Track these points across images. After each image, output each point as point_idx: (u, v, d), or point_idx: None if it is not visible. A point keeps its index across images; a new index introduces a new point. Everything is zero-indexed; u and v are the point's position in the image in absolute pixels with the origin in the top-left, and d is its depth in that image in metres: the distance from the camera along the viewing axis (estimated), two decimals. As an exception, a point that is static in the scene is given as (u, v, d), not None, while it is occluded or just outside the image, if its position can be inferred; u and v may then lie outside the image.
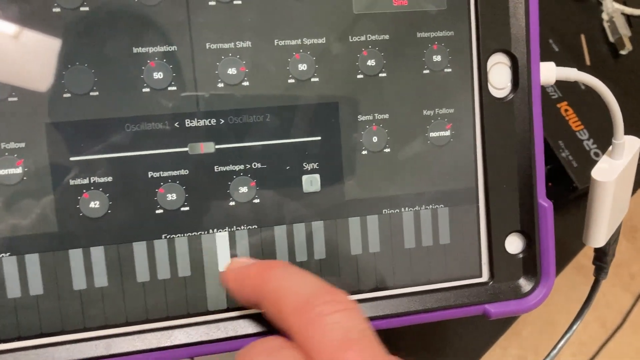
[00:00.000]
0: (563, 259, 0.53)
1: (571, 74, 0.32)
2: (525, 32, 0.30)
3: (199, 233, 0.28)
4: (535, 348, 1.22)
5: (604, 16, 0.63)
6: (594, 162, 0.49)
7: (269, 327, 0.27)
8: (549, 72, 0.31)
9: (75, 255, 0.27)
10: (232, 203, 0.28)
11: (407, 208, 0.30)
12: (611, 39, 0.63)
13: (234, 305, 0.28)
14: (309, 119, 0.29)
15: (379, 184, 0.30)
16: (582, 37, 0.62)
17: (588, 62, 0.61)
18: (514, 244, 0.31)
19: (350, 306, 0.21)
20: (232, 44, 0.28)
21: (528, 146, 0.31)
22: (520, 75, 0.30)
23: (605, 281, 0.39)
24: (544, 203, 0.31)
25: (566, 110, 0.52)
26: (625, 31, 0.62)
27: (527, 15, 0.30)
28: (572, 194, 0.50)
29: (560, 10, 0.63)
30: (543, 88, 0.51)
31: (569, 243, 0.50)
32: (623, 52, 0.62)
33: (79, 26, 0.26)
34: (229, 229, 0.29)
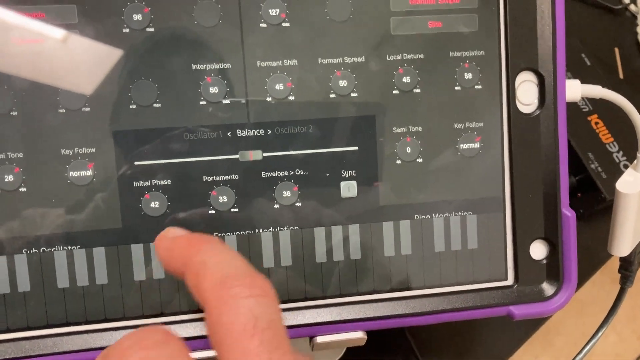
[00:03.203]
0: (592, 267, 0.55)
1: (596, 91, 0.34)
2: (552, 51, 0.32)
3: (246, 232, 0.31)
4: (567, 358, 1.21)
5: (639, 30, 0.64)
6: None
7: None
8: (574, 90, 0.33)
9: (137, 250, 0.30)
10: (276, 206, 0.31)
11: (437, 214, 0.33)
12: (645, 52, 0.64)
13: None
14: (348, 131, 0.32)
15: (411, 191, 0.32)
16: (616, 50, 0.63)
17: (621, 76, 0.62)
18: (538, 250, 0.34)
19: (267, 293, 0.20)
20: (280, 62, 0.31)
21: (553, 159, 0.33)
22: (546, 93, 0.33)
23: None
24: (567, 212, 0.33)
25: (596, 123, 0.53)
26: (659, 45, 0.63)
27: (554, 35, 0.32)
28: (601, 204, 0.51)
29: (593, 24, 0.64)
30: (574, 102, 0.53)
31: (598, 252, 0.51)
32: (657, 66, 0.63)
33: (145, 45, 0.30)
34: (273, 229, 0.31)
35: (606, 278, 0.56)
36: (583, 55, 0.56)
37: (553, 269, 0.33)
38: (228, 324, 0.19)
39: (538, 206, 0.33)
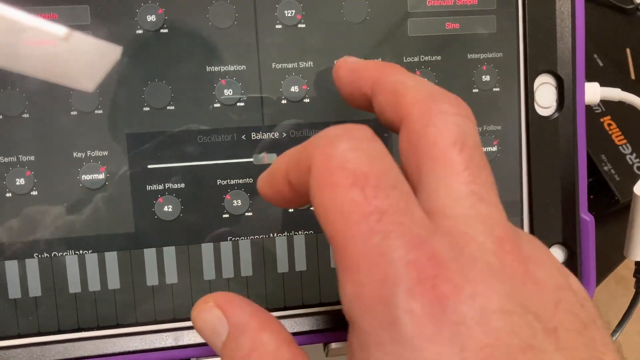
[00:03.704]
0: (603, 270, 0.54)
1: (615, 94, 0.33)
2: (571, 54, 0.32)
3: (260, 237, 0.31)
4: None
5: (650, 30, 0.64)
6: (637, 176, 0.50)
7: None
8: (593, 92, 0.33)
9: (150, 254, 0.30)
10: (291, 210, 0.31)
11: (454, 218, 0.32)
12: (657, 53, 0.63)
13: (273, 306, 0.31)
14: (364, 133, 0.31)
15: (428, 195, 0.32)
16: (628, 51, 0.63)
17: (633, 76, 0.61)
18: (555, 255, 0.33)
19: (471, 116, 0.19)
20: (296, 63, 0.30)
21: (571, 162, 0.32)
22: (565, 96, 0.32)
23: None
24: (586, 217, 0.32)
25: (609, 125, 0.53)
26: (671, 46, 0.62)
27: (574, 37, 0.32)
28: (614, 207, 0.51)
29: (605, 24, 0.64)
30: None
31: (610, 255, 0.51)
32: (669, 67, 0.63)
33: (159, 46, 0.29)
34: (287, 234, 0.31)
35: (611, 279, 0.56)
36: (595, 55, 0.56)
37: (571, 275, 0.33)
38: (435, 135, 0.18)
39: (556, 210, 0.33)
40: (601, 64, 0.55)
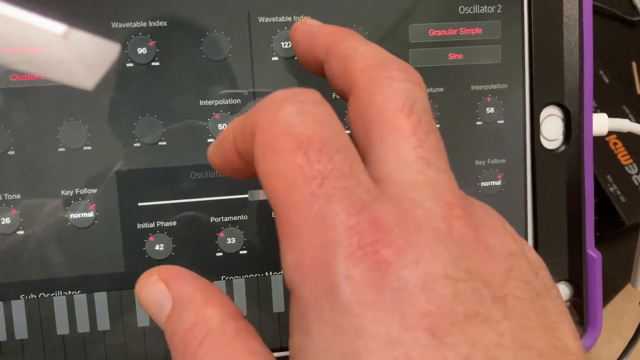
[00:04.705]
0: (609, 292, 0.53)
1: (624, 125, 0.32)
2: (579, 85, 0.31)
3: (255, 275, 0.30)
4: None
5: (656, 43, 0.63)
6: (643, 198, 0.49)
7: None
8: (601, 124, 0.32)
9: (141, 295, 0.29)
10: (287, 247, 0.30)
11: (456, 255, 0.31)
12: (663, 67, 0.62)
13: (285, 346, 0.30)
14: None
15: (429, 231, 0.31)
16: (634, 65, 0.61)
17: (639, 91, 0.60)
18: (562, 293, 0.32)
19: (421, 83, 0.19)
20: (293, 97, 0.29)
21: (578, 197, 0.31)
22: (572, 128, 0.31)
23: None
24: (593, 254, 0.31)
25: (615, 144, 0.51)
26: (678, 59, 0.61)
27: (581, 68, 0.31)
28: (619, 228, 0.50)
29: (610, 36, 0.62)
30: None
31: (615, 278, 0.50)
32: (675, 81, 0.61)
33: (150, 80, 0.28)
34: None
35: (624, 304, 0.55)
36: (601, 72, 0.55)
37: (577, 313, 0.32)
38: (382, 102, 0.17)
39: (562, 246, 0.32)
40: (607, 81, 0.54)
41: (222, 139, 0.19)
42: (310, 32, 0.22)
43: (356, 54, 0.19)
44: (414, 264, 0.14)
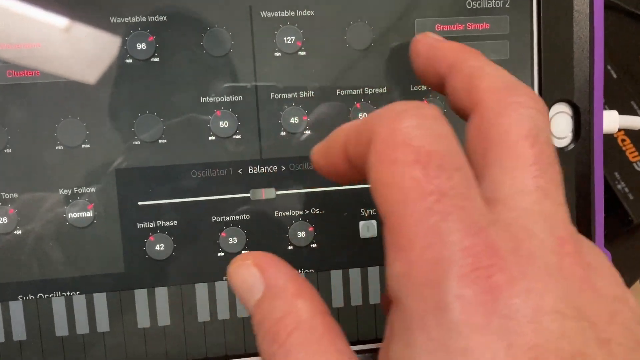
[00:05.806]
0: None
1: (635, 122, 0.32)
2: (589, 81, 0.30)
3: (257, 276, 0.29)
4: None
5: (665, 38, 0.62)
6: (652, 196, 0.48)
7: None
8: (612, 121, 0.31)
9: (141, 295, 0.28)
10: (290, 247, 0.29)
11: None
12: (672, 62, 0.61)
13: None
14: (368, 165, 0.29)
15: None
16: (642, 59, 0.60)
17: (647, 87, 0.59)
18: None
19: (546, 113, 0.19)
20: (295, 93, 0.28)
21: (587, 196, 0.30)
22: (582, 125, 0.30)
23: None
24: (603, 254, 0.31)
25: (623, 141, 0.51)
26: (687, 54, 0.60)
27: (592, 64, 0.30)
28: (627, 226, 0.49)
29: (618, 30, 0.61)
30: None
31: (624, 277, 0.49)
32: (684, 76, 0.60)
33: (150, 76, 0.27)
34: (287, 272, 0.29)
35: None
36: (609, 67, 0.54)
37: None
38: (507, 125, 0.17)
39: (571, 246, 0.31)
40: (615, 76, 0.53)
41: (332, 140, 0.19)
42: (433, 45, 0.21)
43: (483, 74, 0.19)
44: (525, 294, 0.14)
